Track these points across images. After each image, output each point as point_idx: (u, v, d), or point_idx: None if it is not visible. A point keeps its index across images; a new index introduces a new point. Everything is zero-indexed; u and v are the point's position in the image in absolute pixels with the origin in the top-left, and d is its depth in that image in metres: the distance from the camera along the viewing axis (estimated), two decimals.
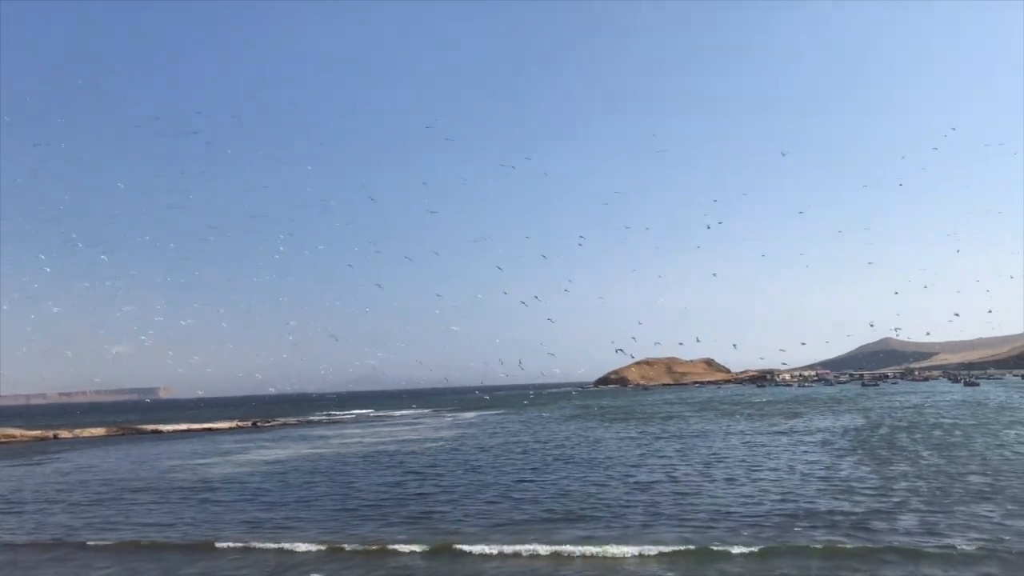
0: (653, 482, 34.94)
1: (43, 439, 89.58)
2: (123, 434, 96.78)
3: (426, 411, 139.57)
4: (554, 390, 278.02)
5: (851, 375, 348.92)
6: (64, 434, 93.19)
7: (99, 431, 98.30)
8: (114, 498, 37.48)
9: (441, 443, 62.78)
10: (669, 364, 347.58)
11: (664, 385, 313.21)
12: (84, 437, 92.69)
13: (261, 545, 24.47)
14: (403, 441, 67.27)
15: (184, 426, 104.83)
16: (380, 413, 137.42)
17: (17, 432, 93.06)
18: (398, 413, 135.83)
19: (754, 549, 21.23)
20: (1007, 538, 21.22)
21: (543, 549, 22.08)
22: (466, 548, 22.72)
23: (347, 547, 23.66)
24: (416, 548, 23.09)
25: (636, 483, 34.82)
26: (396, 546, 23.43)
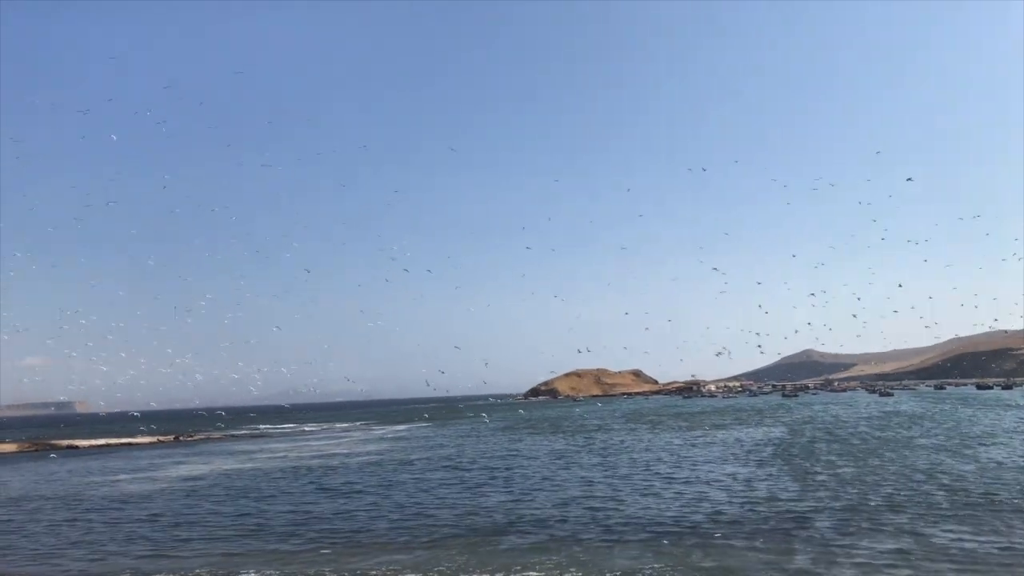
0: (572, 497, 35.44)
1: None
2: (36, 450, 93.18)
3: (355, 424, 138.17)
4: (484, 402, 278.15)
5: (773, 386, 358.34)
6: None
7: (10, 447, 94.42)
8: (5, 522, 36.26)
9: (366, 457, 62.39)
10: (598, 375, 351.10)
11: (593, 396, 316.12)
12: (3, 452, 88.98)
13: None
14: (328, 456, 66.60)
15: (102, 441, 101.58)
16: (310, 427, 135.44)
17: None
18: (326, 426, 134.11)
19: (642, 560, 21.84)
20: (915, 547, 22.26)
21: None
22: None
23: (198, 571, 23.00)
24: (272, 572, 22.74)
25: (557, 496, 35.29)
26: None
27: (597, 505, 32.07)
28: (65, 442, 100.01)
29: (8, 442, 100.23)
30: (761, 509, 29.03)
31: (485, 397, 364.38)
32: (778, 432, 70.59)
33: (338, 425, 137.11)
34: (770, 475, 39.36)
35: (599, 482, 39.49)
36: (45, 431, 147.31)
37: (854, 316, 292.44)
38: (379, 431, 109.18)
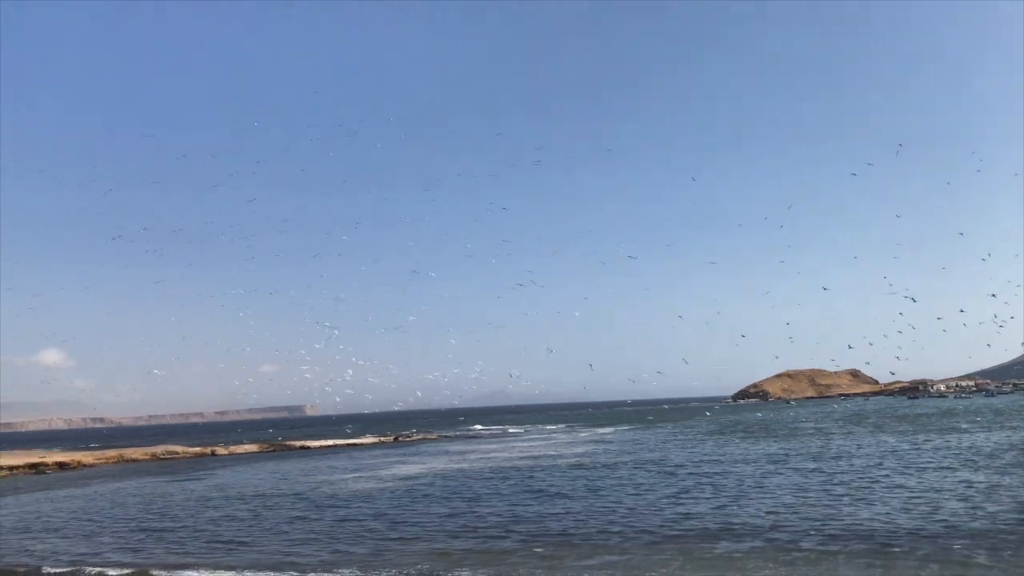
0: (787, 503, 33.87)
1: (202, 455, 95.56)
2: (273, 450, 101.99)
3: (560, 427, 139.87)
4: (692, 404, 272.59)
5: (1015, 384, 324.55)
6: (221, 451, 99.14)
7: (252, 447, 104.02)
8: (251, 518, 39.57)
9: (573, 459, 62.92)
10: (812, 376, 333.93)
11: (807, 398, 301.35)
12: (238, 453, 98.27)
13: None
14: (535, 457, 67.82)
15: (330, 442, 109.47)
16: (514, 429, 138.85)
17: (180, 449, 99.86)
18: (531, 428, 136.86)
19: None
20: None
21: None
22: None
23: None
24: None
25: (771, 502, 33.87)
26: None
27: (815, 512, 30.44)
28: (299, 443, 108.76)
29: (250, 443, 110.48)
30: (1007, 520, 26.34)
31: (687, 400, 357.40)
32: (1021, 436, 63.87)
33: (547, 427, 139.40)
34: (1014, 484, 35.68)
35: (816, 488, 37.48)
36: (281, 433, 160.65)
37: None
38: (584, 434, 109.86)
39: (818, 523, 27.96)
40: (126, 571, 25.24)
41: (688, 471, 49.04)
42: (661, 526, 29.25)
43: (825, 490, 36.75)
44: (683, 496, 37.43)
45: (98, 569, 25.79)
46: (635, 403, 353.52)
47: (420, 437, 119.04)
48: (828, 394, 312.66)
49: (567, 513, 33.65)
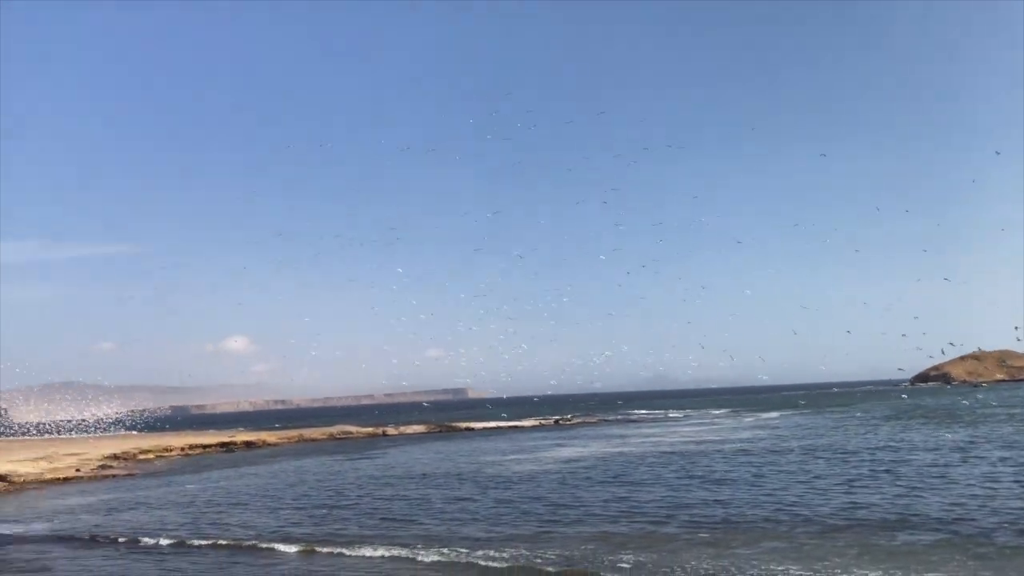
0: (974, 495, 31.55)
1: (374, 435, 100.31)
2: (440, 431, 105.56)
3: (723, 411, 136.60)
4: (865, 388, 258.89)
5: None
6: (391, 431, 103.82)
7: (419, 428, 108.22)
8: (419, 497, 40.99)
9: (737, 445, 61.30)
10: (1001, 357, 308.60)
11: (997, 381, 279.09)
12: (407, 433, 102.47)
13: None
14: (698, 442, 66.59)
15: (492, 424, 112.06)
16: (674, 413, 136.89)
17: (353, 429, 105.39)
18: (692, 413, 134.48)
19: None
20: None
21: None
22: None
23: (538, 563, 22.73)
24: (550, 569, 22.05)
25: (955, 493, 31.67)
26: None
27: (1008, 505, 28.19)
28: (463, 424, 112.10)
29: (417, 424, 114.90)
30: None
31: (859, 384, 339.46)
32: None
33: (709, 412, 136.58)
34: None
35: (1008, 480, 34.68)
36: (446, 414, 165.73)
37: None
38: (749, 419, 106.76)
39: (1011, 517, 25.88)
40: (300, 546, 26.76)
41: (862, 458, 46.65)
42: (833, 514, 28.01)
43: (1018, 481, 33.97)
44: (857, 484, 35.65)
45: (272, 545, 27.46)
46: (801, 387, 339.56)
47: (580, 420, 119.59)
48: (1020, 377, 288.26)
49: (732, 499, 32.83)
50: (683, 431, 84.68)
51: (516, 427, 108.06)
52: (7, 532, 32.08)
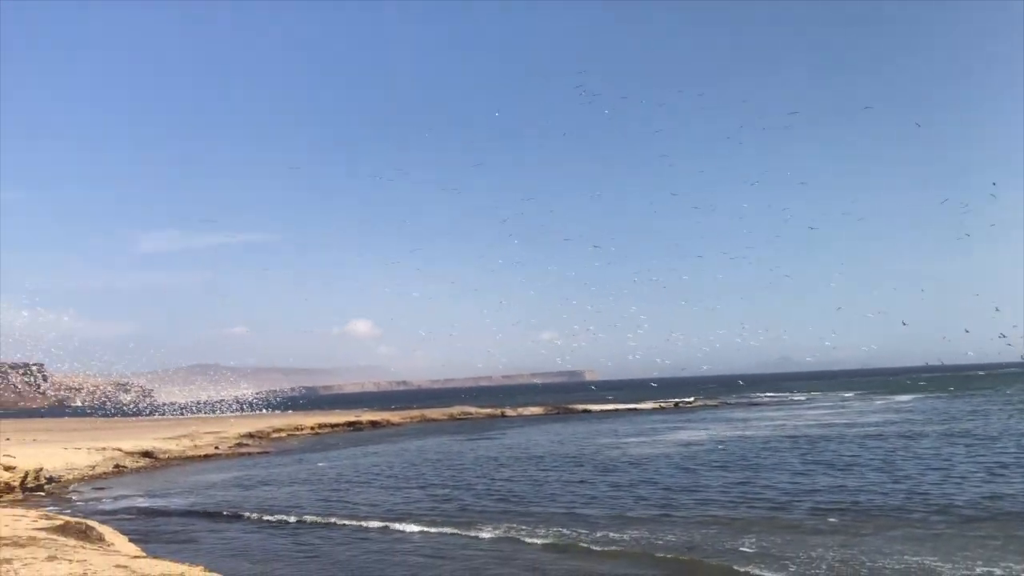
0: None
1: (493, 416, 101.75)
2: (558, 413, 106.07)
3: (851, 394, 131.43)
4: (1003, 370, 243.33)
5: None
6: (510, 412, 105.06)
7: (537, 410, 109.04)
8: (537, 477, 41.24)
9: (866, 429, 58.90)
10: None
11: None
12: (525, 415, 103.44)
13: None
14: (825, 426, 64.36)
15: (611, 406, 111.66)
16: (799, 396, 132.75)
17: (473, 410, 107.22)
18: (817, 395, 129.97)
19: None
20: None
21: None
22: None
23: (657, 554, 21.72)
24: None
25: None
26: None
27: None
28: (581, 406, 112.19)
29: (535, 406, 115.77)
30: None
31: (1004, 365, 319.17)
32: None
33: (836, 394, 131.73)
34: None
35: None
36: (563, 396, 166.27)
37: None
38: (879, 402, 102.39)
39: None
40: (422, 526, 27.43)
41: (1004, 445, 43.96)
42: (973, 503, 26.56)
43: None
44: (1000, 472, 33.66)
45: (396, 525, 28.23)
46: (938, 369, 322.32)
47: (700, 403, 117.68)
48: None
49: (861, 486, 31.59)
50: (808, 414, 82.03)
51: (634, 409, 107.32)
52: (156, 506, 34.33)
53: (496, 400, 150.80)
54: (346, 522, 28.24)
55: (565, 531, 24.90)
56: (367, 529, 27.00)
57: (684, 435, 61.04)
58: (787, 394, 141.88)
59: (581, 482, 36.86)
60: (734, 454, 45.56)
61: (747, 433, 60.32)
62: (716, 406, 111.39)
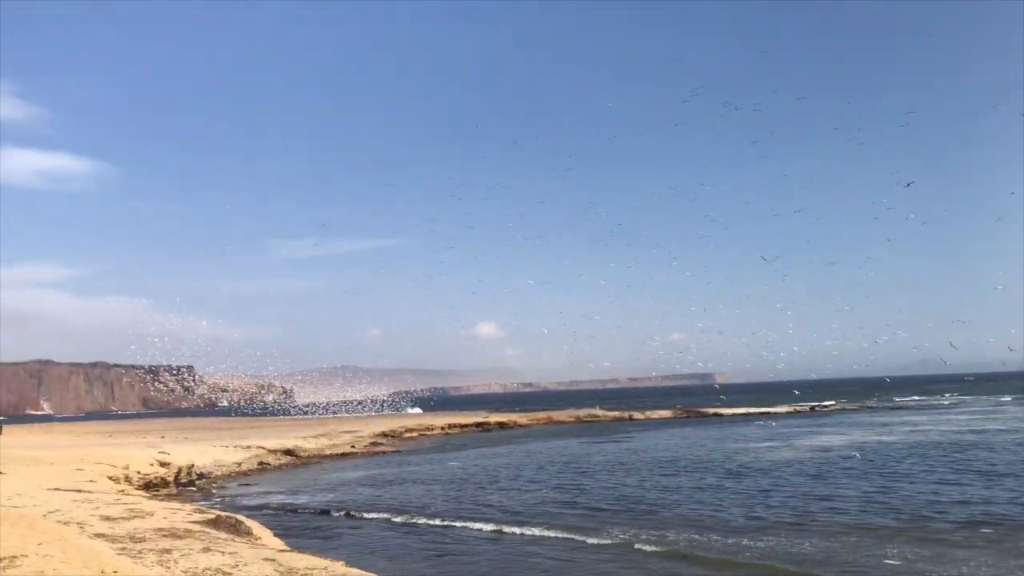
0: None
1: (620, 419, 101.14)
2: (687, 416, 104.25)
3: (1008, 398, 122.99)
4: None
5: None
6: (637, 415, 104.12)
7: (666, 413, 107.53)
8: (666, 482, 40.63)
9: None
10: None
11: None
12: (653, 419, 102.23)
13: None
14: (976, 432, 60.58)
15: (743, 410, 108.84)
16: (948, 399, 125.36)
17: (600, 412, 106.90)
18: (966, 399, 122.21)
19: None
20: None
21: None
22: None
23: None
24: None
25: None
26: None
27: None
28: (711, 410, 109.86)
29: (663, 409, 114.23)
30: None
31: None
32: None
33: (989, 398, 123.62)
34: None
35: None
36: (692, 399, 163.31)
37: None
38: None
39: None
40: (557, 532, 27.56)
41: None
42: None
43: None
44: None
45: (530, 531, 28.49)
46: None
47: (839, 407, 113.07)
48: None
49: (1017, 495, 29.60)
50: (958, 419, 77.41)
51: (767, 413, 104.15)
52: (298, 502, 36.01)
53: (623, 403, 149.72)
54: (477, 524, 28.68)
55: (695, 537, 24.48)
56: (496, 531, 27.38)
57: (821, 440, 58.81)
58: (934, 397, 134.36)
59: (710, 487, 36.11)
60: (874, 461, 43.58)
61: (888, 439, 57.54)
62: (856, 410, 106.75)
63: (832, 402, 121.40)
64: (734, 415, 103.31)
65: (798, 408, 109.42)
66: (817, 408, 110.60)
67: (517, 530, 27.14)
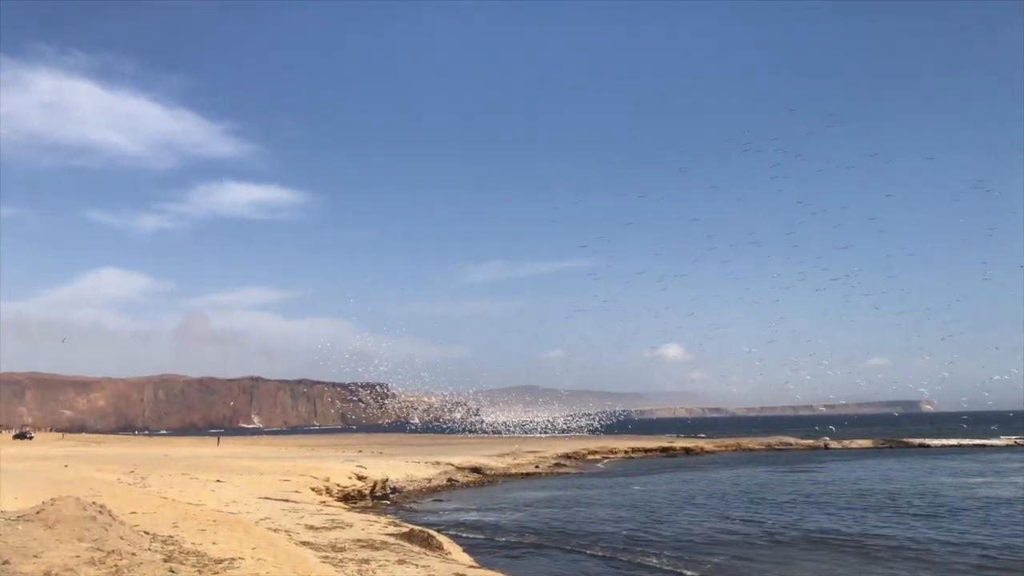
0: None
1: (814, 448, 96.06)
2: (890, 447, 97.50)
3: None
4: None
5: None
6: (833, 444, 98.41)
7: (865, 443, 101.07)
8: (851, 516, 37.95)
9: None
10: None
11: None
12: (852, 448, 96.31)
13: None
14: None
15: (954, 441, 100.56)
16: None
17: (792, 440, 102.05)
18: None
19: None
20: None
21: None
22: None
23: None
24: None
25: None
26: None
27: None
28: (917, 440, 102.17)
29: (863, 439, 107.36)
30: None
31: None
32: None
33: None
34: None
35: None
36: (894, 429, 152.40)
37: None
38: None
39: None
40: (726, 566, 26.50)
41: None
42: None
43: None
44: None
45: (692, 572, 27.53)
46: None
47: None
48: None
49: None
50: None
51: (983, 445, 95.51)
52: (487, 520, 36.78)
53: (818, 431, 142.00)
54: (657, 559, 28.00)
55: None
56: (673, 570, 26.57)
57: None
58: None
59: (912, 522, 33.53)
60: None
61: None
62: None
63: None
64: (944, 446, 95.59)
65: (1019, 441, 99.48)
66: None
67: (692, 562, 26.25)
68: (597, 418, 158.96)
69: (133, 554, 13.97)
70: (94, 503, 16.49)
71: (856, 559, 26.14)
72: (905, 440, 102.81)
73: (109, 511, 16.33)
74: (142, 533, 17.02)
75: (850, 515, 36.74)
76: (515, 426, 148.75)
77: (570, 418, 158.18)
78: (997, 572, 23.86)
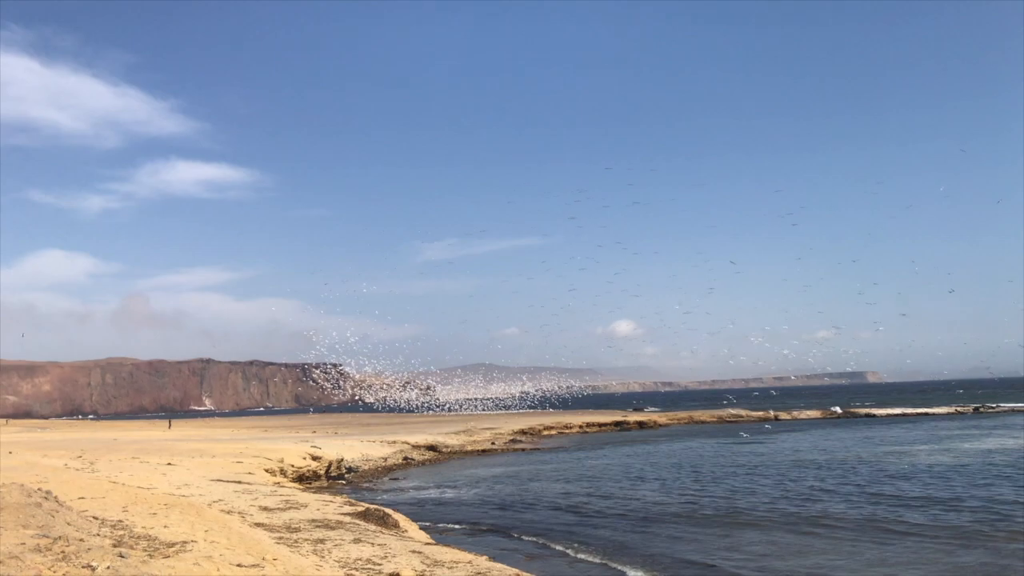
0: None
1: (764, 419, 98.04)
2: (836, 417, 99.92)
3: None
4: None
5: None
6: (783, 415, 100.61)
7: (813, 413, 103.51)
8: (811, 484, 38.85)
9: None
10: None
11: None
12: (800, 419, 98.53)
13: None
14: None
15: (898, 410, 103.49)
16: None
17: (743, 412, 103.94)
18: None
19: None
20: None
21: None
22: None
23: None
24: None
25: None
26: None
27: None
28: (863, 410, 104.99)
29: (812, 409, 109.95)
30: None
31: None
32: None
33: None
34: None
35: None
36: (842, 399, 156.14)
37: None
38: None
39: None
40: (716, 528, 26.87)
41: None
42: None
43: None
44: None
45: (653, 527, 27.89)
46: None
47: (1008, 408, 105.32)
48: None
49: None
50: None
51: (926, 414, 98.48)
52: (444, 497, 36.87)
53: (767, 403, 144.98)
54: (621, 516, 28.46)
55: (877, 545, 23.35)
56: (642, 521, 27.06)
57: (987, 443, 54.96)
58: None
59: (860, 491, 34.35)
60: None
61: None
62: None
63: (997, 404, 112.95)
64: (888, 415, 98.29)
65: (959, 409, 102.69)
66: (982, 409, 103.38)
67: (658, 522, 26.73)
68: (553, 393, 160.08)
69: (81, 540, 13.65)
70: (40, 489, 16.09)
71: (790, 536, 26.73)
72: (852, 410, 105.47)
73: (56, 497, 15.94)
74: (91, 518, 16.65)
75: (791, 485, 37.58)
76: (472, 403, 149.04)
77: (525, 394, 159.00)
78: (931, 539, 24.58)
